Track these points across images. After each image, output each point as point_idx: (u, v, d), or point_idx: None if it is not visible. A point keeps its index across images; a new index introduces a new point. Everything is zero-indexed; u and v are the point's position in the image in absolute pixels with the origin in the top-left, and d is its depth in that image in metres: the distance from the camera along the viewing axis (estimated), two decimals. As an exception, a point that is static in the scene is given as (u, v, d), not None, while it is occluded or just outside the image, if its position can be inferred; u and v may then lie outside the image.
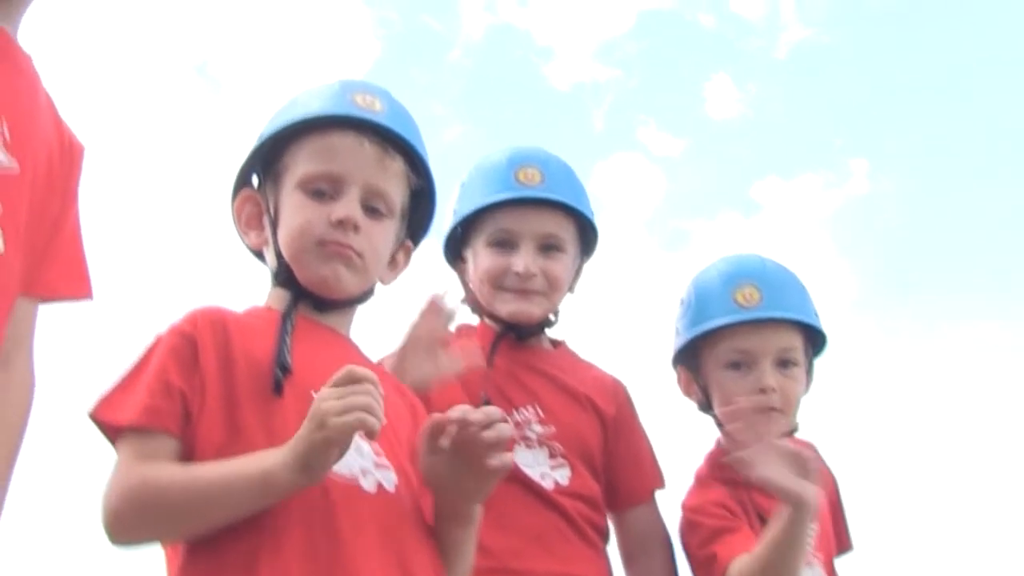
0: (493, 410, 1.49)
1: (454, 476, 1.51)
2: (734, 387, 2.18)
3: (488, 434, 1.47)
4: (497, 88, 8.53)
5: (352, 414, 1.35)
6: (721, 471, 2.14)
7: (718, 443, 2.25)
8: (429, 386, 1.85)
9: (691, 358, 2.27)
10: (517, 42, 8.65)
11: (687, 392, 2.29)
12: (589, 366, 2.22)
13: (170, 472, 1.42)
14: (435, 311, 1.87)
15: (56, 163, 1.50)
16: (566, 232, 2.14)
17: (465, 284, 2.19)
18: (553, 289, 2.12)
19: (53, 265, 1.50)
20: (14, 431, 1.46)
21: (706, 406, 2.26)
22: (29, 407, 1.49)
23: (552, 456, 2.04)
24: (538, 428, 2.05)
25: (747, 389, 2.16)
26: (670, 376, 2.32)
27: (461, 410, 1.48)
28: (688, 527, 2.12)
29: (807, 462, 1.89)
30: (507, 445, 1.51)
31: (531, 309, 2.11)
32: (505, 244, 2.11)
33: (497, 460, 1.49)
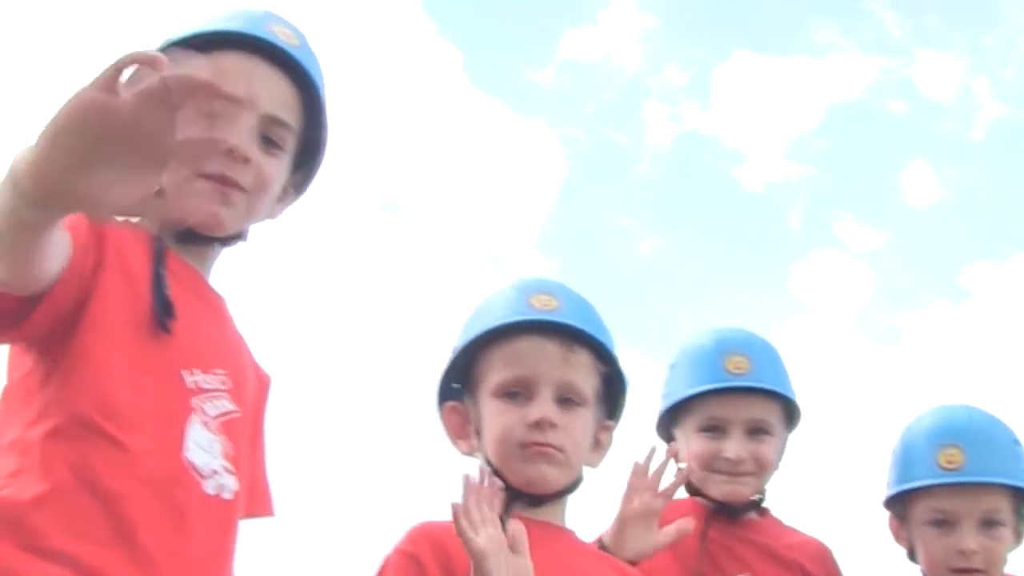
0: None
1: None
2: (935, 546, 2.22)
3: None
4: (688, 196, 8.65)
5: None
6: None
7: None
8: (645, 558, 1.97)
9: (899, 507, 2.32)
10: (705, 148, 8.77)
11: (896, 538, 2.34)
12: (794, 531, 2.31)
13: None
14: (644, 484, 2.00)
15: (257, 400, 1.65)
16: (773, 416, 2.26)
17: (676, 461, 2.29)
18: (762, 470, 2.23)
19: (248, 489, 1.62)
20: None
21: (913, 557, 2.30)
22: None
23: None
24: None
25: (947, 549, 2.19)
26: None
27: None
28: None
29: None
30: None
31: (742, 491, 2.23)
32: (715, 430, 2.23)
33: None
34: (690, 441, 2.26)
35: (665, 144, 8.61)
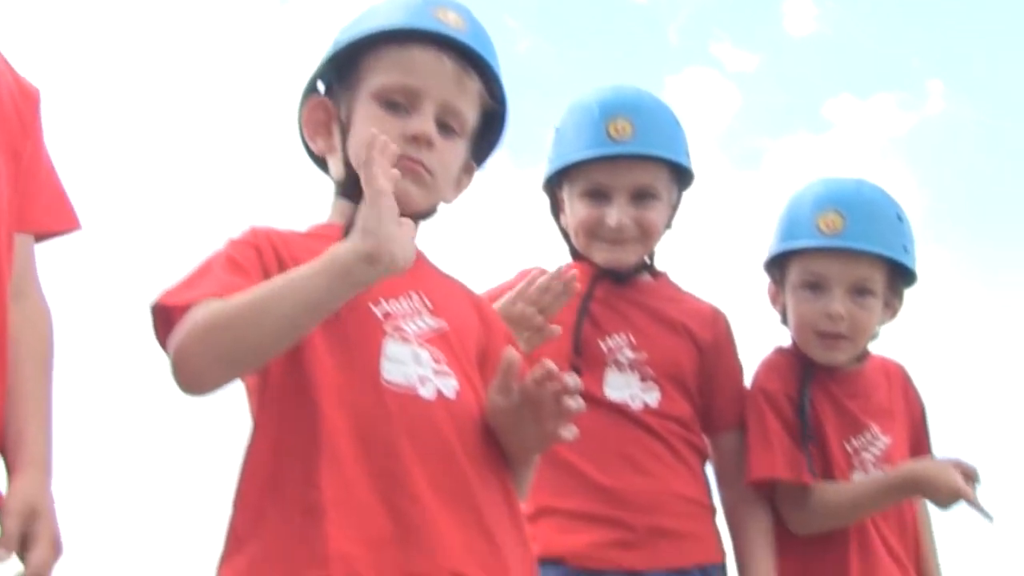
0: (577, 381, 1.47)
1: (517, 423, 1.53)
2: (804, 308, 2.28)
3: (568, 403, 1.46)
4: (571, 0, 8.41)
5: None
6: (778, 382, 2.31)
7: (777, 350, 2.38)
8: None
9: (777, 272, 2.37)
10: (593, -48, 8.49)
11: (773, 303, 2.39)
12: (688, 297, 2.30)
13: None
14: (534, 299, 1.95)
15: (17, 105, 1.56)
16: (659, 180, 2.20)
17: (562, 226, 2.29)
18: (647, 236, 2.20)
19: (37, 203, 1.59)
20: (44, 358, 1.58)
21: (786, 321, 2.36)
22: (51, 336, 1.61)
23: (643, 380, 2.15)
24: (630, 354, 2.15)
25: (816, 312, 2.25)
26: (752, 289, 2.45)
27: (546, 366, 1.47)
28: None
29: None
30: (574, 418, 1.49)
31: (625, 257, 2.20)
32: (598, 196, 2.18)
33: (565, 432, 1.49)
34: (574, 207, 2.22)
35: (553, -58, 8.34)
